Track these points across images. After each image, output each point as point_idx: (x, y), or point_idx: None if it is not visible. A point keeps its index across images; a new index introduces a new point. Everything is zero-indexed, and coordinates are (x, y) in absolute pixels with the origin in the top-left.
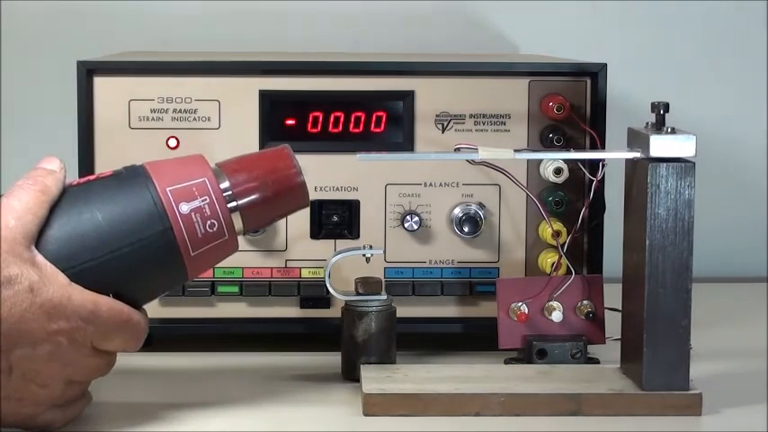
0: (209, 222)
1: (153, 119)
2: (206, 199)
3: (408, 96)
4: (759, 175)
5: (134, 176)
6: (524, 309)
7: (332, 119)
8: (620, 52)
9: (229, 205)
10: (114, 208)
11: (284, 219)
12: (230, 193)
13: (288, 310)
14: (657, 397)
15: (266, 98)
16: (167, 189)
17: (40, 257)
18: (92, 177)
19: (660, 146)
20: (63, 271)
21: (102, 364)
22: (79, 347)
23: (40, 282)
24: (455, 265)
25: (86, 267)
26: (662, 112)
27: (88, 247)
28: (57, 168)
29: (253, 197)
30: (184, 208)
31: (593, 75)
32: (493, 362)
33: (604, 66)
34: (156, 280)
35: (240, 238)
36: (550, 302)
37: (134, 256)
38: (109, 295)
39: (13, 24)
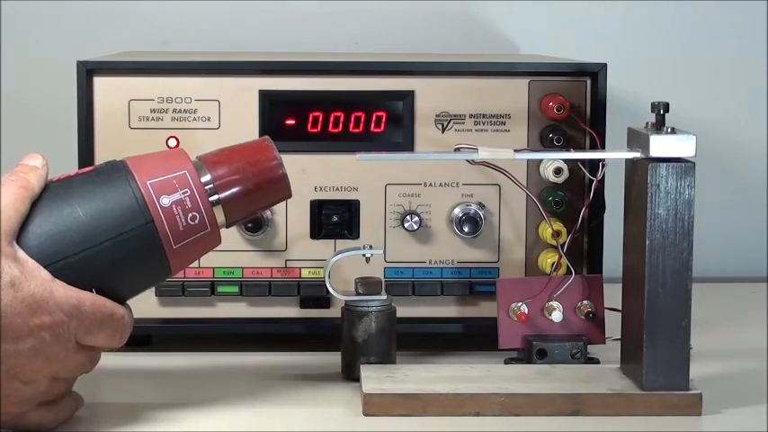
0: (190, 215)
1: (153, 119)
2: (187, 191)
3: (408, 96)
4: (759, 175)
5: (114, 171)
6: (524, 309)
7: (332, 119)
8: (620, 52)
9: (211, 198)
10: (95, 203)
11: (284, 219)
12: (211, 185)
13: (288, 310)
14: (657, 397)
15: (266, 98)
16: (148, 182)
17: (21, 253)
18: (72, 173)
19: (660, 146)
20: (45, 266)
21: (85, 360)
22: (63, 343)
23: (21, 277)
24: (455, 265)
25: (68, 262)
26: (662, 112)
27: (70, 243)
28: (39, 165)
29: (234, 189)
30: (165, 201)
31: (593, 75)
32: (493, 362)
33: (604, 66)
34: (139, 274)
35: (240, 238)
36: (550, 302)
37: (116, 251)
38: (92, 291)
39: (14, 24)
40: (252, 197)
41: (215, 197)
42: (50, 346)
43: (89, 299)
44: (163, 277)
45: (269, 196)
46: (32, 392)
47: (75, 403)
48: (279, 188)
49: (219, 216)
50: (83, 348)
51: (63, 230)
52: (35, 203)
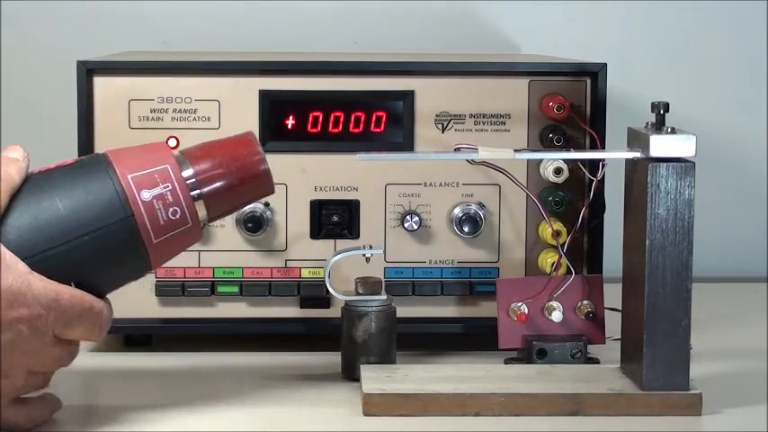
0: (171, 210)
1: (153, 119)
2: (168, 186)
3: (408, 96)
4: (759, 175)
5: (95, 164)
6: (524, 309)
7: (332, 119)
8: (620, 52)
9: (192, 192)
10: (75, 196)
11: (284, 219)
12: (193, 180)
13: (288, 310)
14: (657, 397)
15: (266, 98)
16: (129, 176)
17: None
18: (53, 165)
19: (660, 146)
20: (23, 259)
21: (63, 354)
22: (41, 336)
23: None
24: (455, 265)
25: (47, 256)
26: (662, 112)
27: (48, 236)
28: (20, 157)
29: (216, 184)
30: (146, 195)
31: (593, 75)
32: (493, 362)
33: (604, 66)
34: (119, 268)
35: (240, 238)
36: (550, 302)
37: (95, 245)
38: (70, 284)
39: (14, 24)
40: (234, 192)
41: (197, 192)
42: (28, 340)
43: (67, 292)
44: (143, 272)
45: (251, 192)
46: (9, 386)
47: (51, 405)
48: (261, 183)
49: (201, 211)
50: (60, 342)
51: (42, 224)
52: (15, 196)
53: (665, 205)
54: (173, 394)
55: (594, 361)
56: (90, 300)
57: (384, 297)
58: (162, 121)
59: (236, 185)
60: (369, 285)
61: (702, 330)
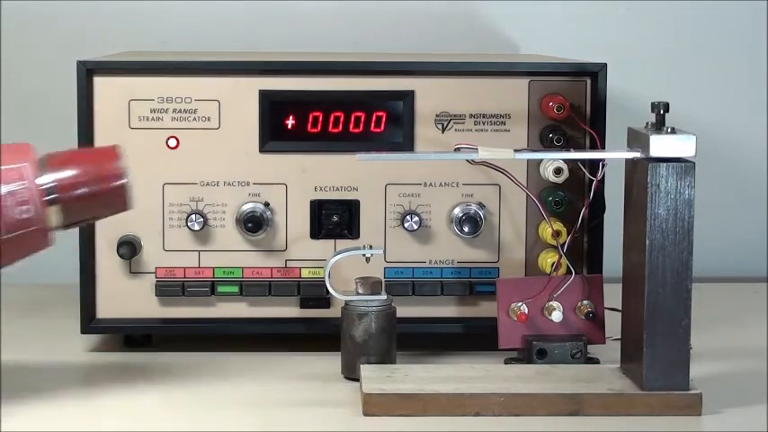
0: (23, 208)
1: (153, 119)
2: (22, 184)
3: (408, 96)
4: (759, 175)
5: None
6: (524, 309)
7: (332, 119)
8: (620, 52)
9: (47, 198)
10: None
11: (284, 219)
12: (51, 185)
13: (288, 310)
14: (657, 397)
15: (266, 98)
16: None
17: None
18: None
19: (660, 146)
20: None
21: None
22: None
23: None
24: (455, 265)
25: None
26: (662, 112)
27: None
28: None
29: (72, 193)
30: None
31: (593, 75)
32: (493, 362)
33: (604, 66)
34: None
35: (240, 238)
36: (550, 302)
37: None
38: None
39: (13, 24)
40: (88, 203)
41: (52, 197)
42: None
43: None
44: None
45: (106, 205)
46: None
47: None
48: (117, 198)
49: (55, 216)
50: None
51: None
52: None
53: (665, 205)
54: (173, 394)
55: (594, 361)
56: None
57: (384, 297)
58: (162, 121)
59: (92, 196)
60: (369, 285)
61: (702, 330)
